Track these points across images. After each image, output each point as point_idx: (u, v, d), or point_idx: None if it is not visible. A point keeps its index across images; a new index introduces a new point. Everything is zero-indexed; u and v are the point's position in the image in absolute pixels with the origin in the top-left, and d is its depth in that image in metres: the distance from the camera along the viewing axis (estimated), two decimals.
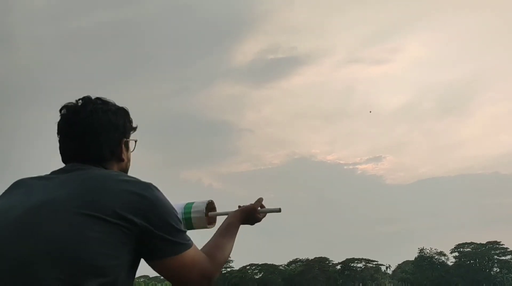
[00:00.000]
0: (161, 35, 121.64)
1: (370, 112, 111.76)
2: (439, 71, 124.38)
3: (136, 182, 1.31)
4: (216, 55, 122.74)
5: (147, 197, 1.28)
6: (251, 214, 1.79)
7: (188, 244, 1.34)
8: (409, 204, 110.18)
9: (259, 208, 1.82)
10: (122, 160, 1.46)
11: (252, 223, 1.82)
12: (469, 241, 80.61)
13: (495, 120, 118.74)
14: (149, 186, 1.32)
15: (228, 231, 1.66)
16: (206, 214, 1.86)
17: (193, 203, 1.87)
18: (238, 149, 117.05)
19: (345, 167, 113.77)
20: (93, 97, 1.46)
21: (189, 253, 1.33)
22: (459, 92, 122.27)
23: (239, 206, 1.81)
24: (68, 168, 1.38)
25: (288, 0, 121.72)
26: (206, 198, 1.91)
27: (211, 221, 1.88)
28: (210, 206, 1.89)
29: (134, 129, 1.53)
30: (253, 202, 1.84)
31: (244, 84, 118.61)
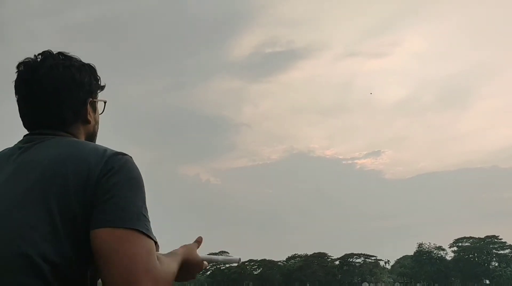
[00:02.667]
0: (158, 29, 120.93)
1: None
2: (439, 64, 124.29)
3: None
4: (213, 49, 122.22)
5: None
6: (193, 267, 1.34)
7: None
8: (408, 199, 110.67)
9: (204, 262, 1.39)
10: (88, 122, 1.30)
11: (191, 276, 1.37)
12: (468, 236, 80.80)
13: (495, 114, 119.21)
14: None
15: (176, 265, 1.26)
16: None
17: None
18: (236, 144, 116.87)
19: (343, 162, 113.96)
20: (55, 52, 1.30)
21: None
22: (458, 85, 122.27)
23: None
24: (25, 142, 1.22)
25: None
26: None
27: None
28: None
29: (102, 87, 1.36)
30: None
31: (241, 79, 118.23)
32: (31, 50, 1.26)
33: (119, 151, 1.19)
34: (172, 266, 1.19)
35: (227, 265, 79.03)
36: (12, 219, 1.08)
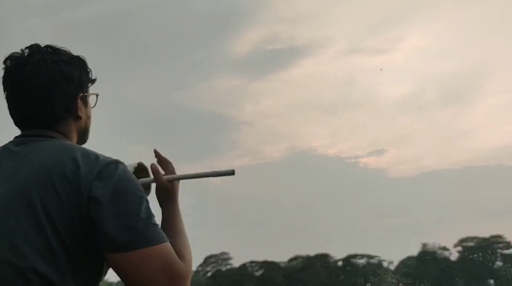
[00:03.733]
0: (158, 27, 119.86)
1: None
2: (442, 60, 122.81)
3: None
4: (213, 46, 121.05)
5: None
6: (163, 193, 1.32)
7: None
8: (412, 198, 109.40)
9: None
10: (79, 117, 1.25)
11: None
12: (473, 235, 79.72)
13: (499, 111, 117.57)
14: None
15: (183, 226, 1.30)
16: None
17: None
18: (237, 143, 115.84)
19: (346, 160, 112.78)
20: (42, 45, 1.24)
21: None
22: (462, 82, 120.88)
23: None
24: (16, 145, 1.18)
25: None
26: (134, 160, 1.36)
27: (146, 191, 1.35)
28: (140, 169, 1.35)
29: (93, 81, 1.29)
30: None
31: (242, 76, 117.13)
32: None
33: (111, 159, 1.14)
34: (183, 244, 1.20)
35: (228, 266, 78.26)
36: (2, 229, 1.05)
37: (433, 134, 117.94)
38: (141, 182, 1.24)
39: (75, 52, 1.27)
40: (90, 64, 1.28)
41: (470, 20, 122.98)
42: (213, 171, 1.32)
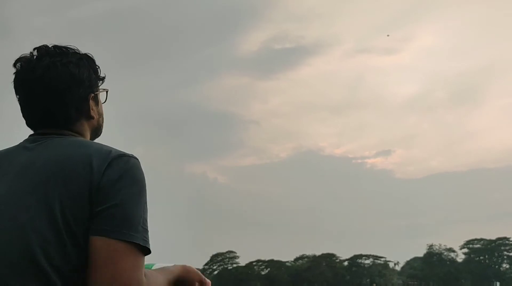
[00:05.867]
0: (165, 25, 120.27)
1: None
2: (451, 61, 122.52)
3: None
4: (221, 44, 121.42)
5: None
6: (190, 278, 1.26)
7: None
8: (419, 199, 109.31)
9: None
10: (92, 117, 1.27)
11: None
12: (479, 237, 79.62)
13: (508, 112, 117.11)
14: None
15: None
16: None
17: (150, 265, 1.27)
18: (244, 142, 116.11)
19: (353, 161, 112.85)
20: (50, 46, 1.25)
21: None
22: (471, 82, 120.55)
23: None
24: (30, 142, 1.21)
25: None
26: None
27: None
28: None
29: (102, 79, 1.31)
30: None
31: (249, 75, 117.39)
32: (37, 45, 1.24)
33: (124, 152, 1.16)
34: (159, 282, 1.15)
35: (234, 265, 78.65)
36: (17, 222, 1.07)
37: (441, 135, 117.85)
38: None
39: (82, 49, 1.27)
40: (97, 62, 1.29)
41: (480, 20, 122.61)
42: None
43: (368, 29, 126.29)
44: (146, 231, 1.10)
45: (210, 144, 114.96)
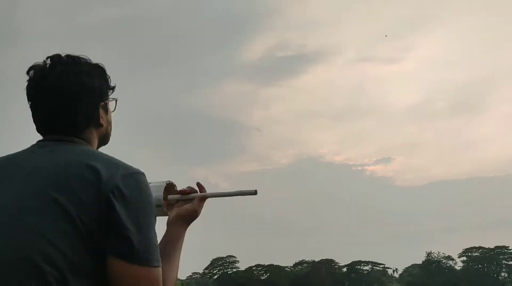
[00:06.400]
0: (170, 31, 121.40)
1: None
2: (452, 70, 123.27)
3: None
4: (225, 51, 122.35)
5: None
6: (191, 216, 1.45)
7: None
8: (419, 207, 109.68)
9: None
10: (101, 125, 1.30)
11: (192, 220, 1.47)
12: (477, 245, 79.98)
13: (508, 121, 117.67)
14: None
15: (179, 249, 1.38)
16: (165, 198, 1.46)
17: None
18: (246, 148, 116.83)
19: (353, 168, 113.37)
20: (63, 55, 1.29)
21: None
22: (471, 91, 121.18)
23: (180, 192, 1.48)
24: (39, 147, 1.24)
25: None
26: (162, 178, 1.47)
27: (169, 207, 1.48)
28: (168, 188, 1.48)
29: (112, 88, 1.35)
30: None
31: (252, 82, 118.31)
32: (46, 50, 1.25)
33: (132, 167, 1.19)
34: (173, 277, 1.28)
35: (234, 269, 79.13)
36: (22, 225, 1.08)
37: (442, 144, 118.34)
38: (170, 198, 1.46)
39: (88, 54, 1.33)
40: (104, 68, 1.34)
41: (480, 29, 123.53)
42: (237, 191, 1.46)
43: (369, 38, 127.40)
44: (157, 249, 1.16)
45: (212, 150, 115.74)
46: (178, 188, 1.49)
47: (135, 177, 1.17)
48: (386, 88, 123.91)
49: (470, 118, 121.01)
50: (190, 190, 1.47)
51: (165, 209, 1.44)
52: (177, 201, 1.47)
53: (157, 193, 1.41)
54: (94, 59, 1.34)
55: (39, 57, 1.26)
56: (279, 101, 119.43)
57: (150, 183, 1.25)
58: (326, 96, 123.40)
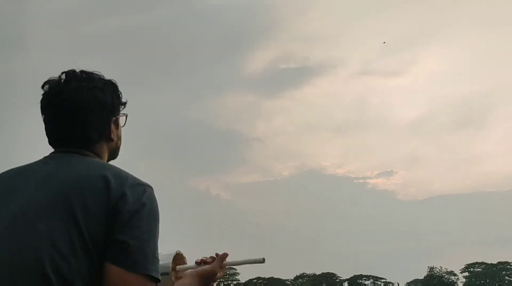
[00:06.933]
0: (173, 42, 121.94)
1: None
2: (455, 84, 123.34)
3: None
4: (228, 63, 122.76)
5: None
6: (210, 277, 1.46)
7: None
8: (420, 221, 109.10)
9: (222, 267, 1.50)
10: (112, 140, 1.35)
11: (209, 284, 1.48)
12: (480, 261, 79.37)
13: (511, 136, 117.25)
14: None
15: None
16: (174, 268, 1.48)
17: None
18: (248, 159, 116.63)
19: (355, 181, 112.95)
20: (78, 70, 1.34)
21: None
22: (474, 106, 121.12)
23: (196, 262, 1.50)
24: (51, 159, 1.29)
25: (302, 9, 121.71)
26: (174, 248, 1.48)
27: (178, 277, 1.48)
28: (177, 258, 1.50)
29: (124, 104, 1.40)
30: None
31: (255, 93, 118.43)
32: (51, 59, 1.33)
33: (141, 180, 1.23)
34: None
35: (234, 281, 78.45)
36: (34, 231, 1.12)
37: (444, 158, 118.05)
38: (180, 268, 1.48)
39: (92, 64, 1.59)
40: (105, 76, 1.39)
41: (484, 43, 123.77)
42: (246, 260, 1.50)
43: (372, 51, 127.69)
44: (158, 261, 1.18)
45: (214, 161, 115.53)
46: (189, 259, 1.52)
47: (142, 188, 1.21)
48: (389, 101, 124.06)
49: (473, 133, 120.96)
50: (201, 261, 1.50)
51: (172, 279, 1.45)
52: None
53: (165, 261, 1.44)
54: (98, 69, 1.37)
55: (45, 67, 1.36)
56: (281, 112, 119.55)
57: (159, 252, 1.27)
58: (328, 109, 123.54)
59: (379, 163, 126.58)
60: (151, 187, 1.24)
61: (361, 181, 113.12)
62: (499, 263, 77.94)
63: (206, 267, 1.46)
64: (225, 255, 1.48)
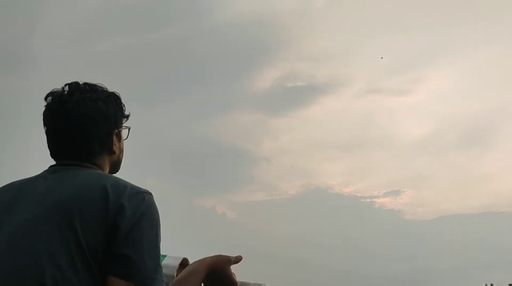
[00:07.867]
0: (180, 61, 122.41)
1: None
2: (462, 102, 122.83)
3: None
4: (236, 81, 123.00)
5: None
6: (224, 261, 1.28)
7: None
8: (429, 242, 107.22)
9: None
10: (114, 152, 1.36)
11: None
12: (489, 283, 77.59)
13: None
14: None
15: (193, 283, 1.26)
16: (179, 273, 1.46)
17: (164, 257, 1.32)
18: (254, 178, 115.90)
19: (362, 200, 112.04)
20: (81, 83, 1.35)
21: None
22: (482, 124, 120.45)
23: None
24: (51, 173, 1.28)
25: (309, 28, 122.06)
26: (180, 254, 1.43)
27: None
28: (184, 264, 1.47)
29: (127, 117, 1.41)
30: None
31: (262, 112, 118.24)
32: (61, 77, 1.30)
33: (140, 188, 1.23)
34: None
35: None
36: (34, 248, 1.13)
37: (452, 177, 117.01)
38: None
39: (102, 82, 1.37)
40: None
41: (492, 62, 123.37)
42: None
43: (379, 70, 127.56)
44: (161, 269, 1.18)
45: (221, 179, 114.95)
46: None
47: (142, 196, 1.20)
48: (396, 120, 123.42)
49: (481, 151, 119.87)
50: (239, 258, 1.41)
51: None
52: None
53: (171, 266, 1.36)
54: (106, 85, 1.38)
55: (55, 85, 1.32)
56: (288, 131, 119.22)
57: (166, 255, 1.22)
58: (335, 127, 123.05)
59: (386, 182, 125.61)
60: (150, 194, 1.23)
61: (368, 200, 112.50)
62: (510, 285, 76.21)
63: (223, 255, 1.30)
64: (240, 257, 1.30)
